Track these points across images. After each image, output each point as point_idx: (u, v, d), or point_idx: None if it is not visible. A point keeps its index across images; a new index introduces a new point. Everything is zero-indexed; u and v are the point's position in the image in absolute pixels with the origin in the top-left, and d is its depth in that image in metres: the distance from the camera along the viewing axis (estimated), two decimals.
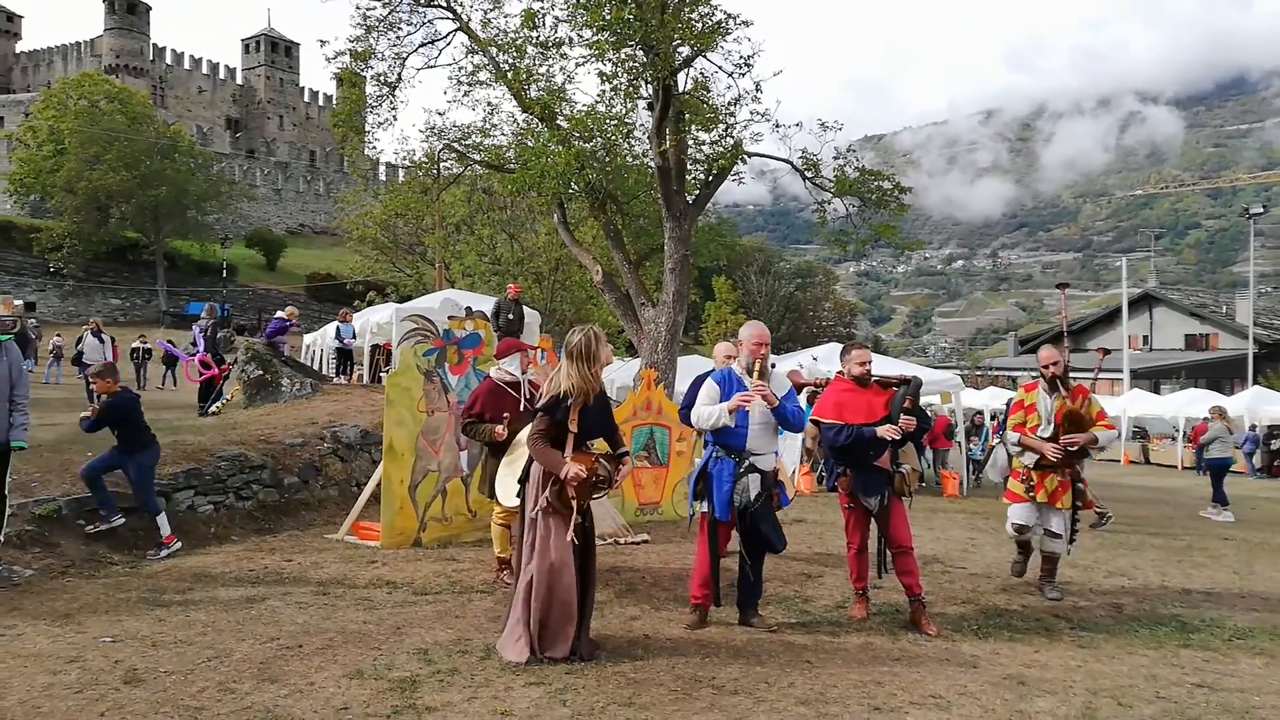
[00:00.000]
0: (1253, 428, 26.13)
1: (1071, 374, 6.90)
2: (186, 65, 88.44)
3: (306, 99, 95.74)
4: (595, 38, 13.89)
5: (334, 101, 71.70)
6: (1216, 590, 7.38)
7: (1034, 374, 7.08)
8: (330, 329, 20.68)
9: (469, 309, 9.03)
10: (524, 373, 6.61)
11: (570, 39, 15.12)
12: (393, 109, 16.92)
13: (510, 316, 14.57)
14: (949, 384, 17.84)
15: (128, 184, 46.61)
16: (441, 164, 19.96)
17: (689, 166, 15.86)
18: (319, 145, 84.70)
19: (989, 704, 4.33)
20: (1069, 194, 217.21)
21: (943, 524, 10.92)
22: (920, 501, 12.64)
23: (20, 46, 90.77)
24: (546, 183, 14.73)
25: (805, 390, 9.97)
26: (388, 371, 9.55)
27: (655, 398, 10.27)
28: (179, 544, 7.38)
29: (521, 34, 15.40)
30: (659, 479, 10.22)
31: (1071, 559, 7.35)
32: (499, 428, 6.28)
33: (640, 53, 13.87)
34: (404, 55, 16.48)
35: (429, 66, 16.81)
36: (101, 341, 17.74)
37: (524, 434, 5.42)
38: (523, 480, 5.02)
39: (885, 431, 5.64)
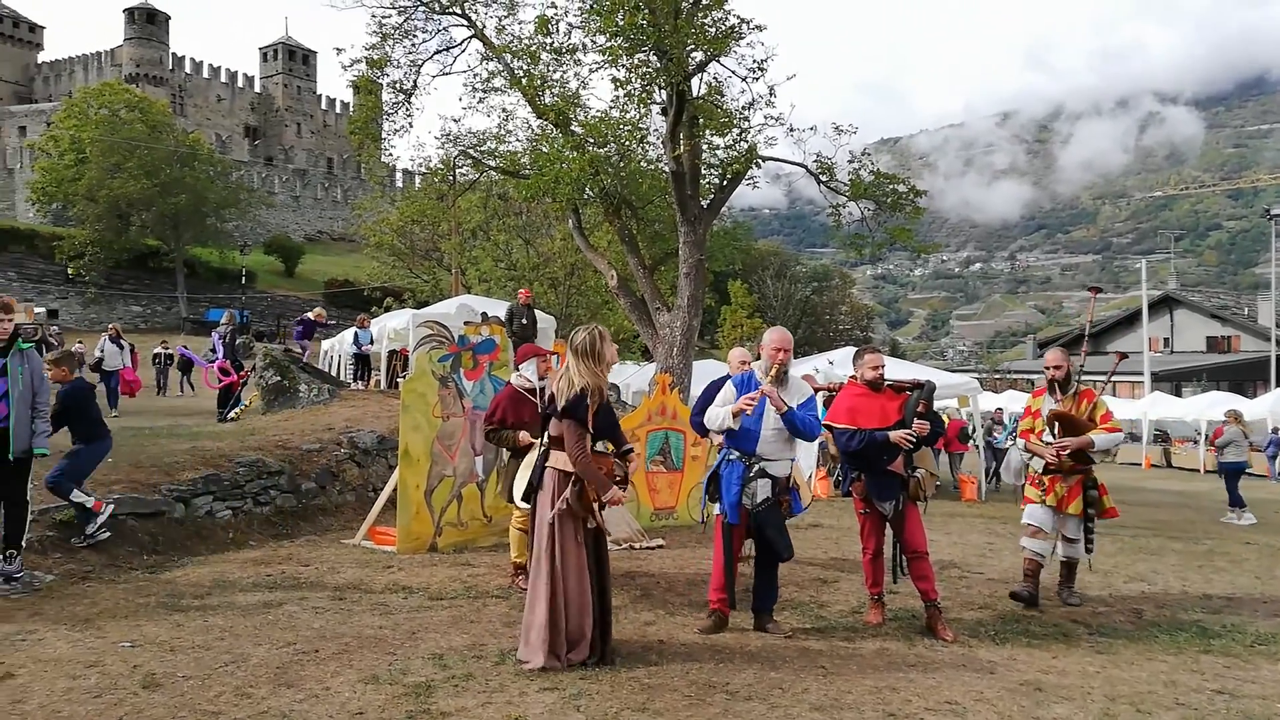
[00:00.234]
0: (1275, 430, 25.84)
1: (1087, 377, 6.86)
2: (205, 74, 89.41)
3: (324, 106, 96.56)
4: (609, 44, 13.90)
5: (351, 109, 72.31)
6: (1238, 595, 7.30)
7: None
8: (349, 334, 20.80)
9: (485, 314, 9.08)
10: (542, 378, 6.64)
11: (584, 45, 15.19)
12: (408, 116, 17.03)
13: (524, 321, 14.63)
14: (966, 388, 17.74)
15: (148, 192, 47.10)
16: (457, 170, 20.08)
17: (703, 171, 15.85)
18: (336, 152, 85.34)
19: (1005, 710, 4.30)
20: (1087, 196, 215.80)
21: (960, 529, 10.86)
22: (938, 506, 12.60)
23: (42, 57, 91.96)
24: (561, 188, 14.80)
25: (820, 395, 9.94)
26: (404, 377, 9.61)
27: (670, 403, 10.28)
28: (111, 505, 7.09)
29: (535, 40, 15.48)
30: (674, 484, 10.22)
31: (1091, 564, 7.29)
32: (524, 434, 6.34)
33: (654, 58, 13.88)
34: (419, 62, 16.57)
35: (444, 73, 16.92)
36: (120, 347, 17.87)
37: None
38: (534, 486, 5.01)
39: (898, 436, 5.62)
